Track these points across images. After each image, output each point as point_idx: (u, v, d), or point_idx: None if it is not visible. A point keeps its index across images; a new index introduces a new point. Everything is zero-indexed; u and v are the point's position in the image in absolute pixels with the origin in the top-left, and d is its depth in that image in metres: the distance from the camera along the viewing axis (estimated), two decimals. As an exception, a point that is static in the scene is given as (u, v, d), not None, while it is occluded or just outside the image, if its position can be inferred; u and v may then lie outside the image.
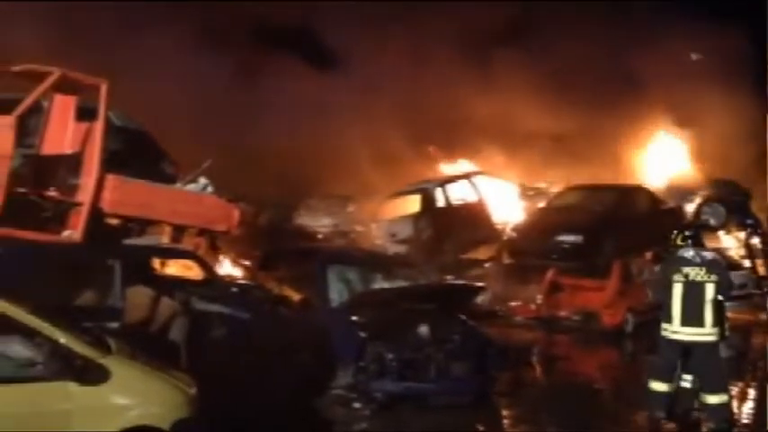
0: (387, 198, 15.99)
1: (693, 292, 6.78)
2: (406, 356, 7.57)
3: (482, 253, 14.98)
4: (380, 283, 8.95)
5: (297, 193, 17.71)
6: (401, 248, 14.45)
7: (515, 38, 17.99)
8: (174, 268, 8.82)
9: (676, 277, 6.84)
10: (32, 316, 4.62)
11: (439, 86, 18.30)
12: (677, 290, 6.82)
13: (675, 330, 6.81)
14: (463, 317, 8.39)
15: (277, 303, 8.49)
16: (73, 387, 4.53)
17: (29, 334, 4.61)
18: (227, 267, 11.26)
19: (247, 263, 12.05)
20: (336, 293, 8.64)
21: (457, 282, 11.16)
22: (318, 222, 17.39)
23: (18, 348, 4.68)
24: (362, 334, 7.71)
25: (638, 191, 15.38)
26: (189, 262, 8.66)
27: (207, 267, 8.30)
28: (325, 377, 7.61)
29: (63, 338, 4.60)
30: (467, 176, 16.01)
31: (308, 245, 14.09)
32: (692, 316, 6.77)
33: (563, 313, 12.30)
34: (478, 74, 17.97)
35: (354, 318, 7.95)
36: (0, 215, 7.35)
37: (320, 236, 16.76)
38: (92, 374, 4.57)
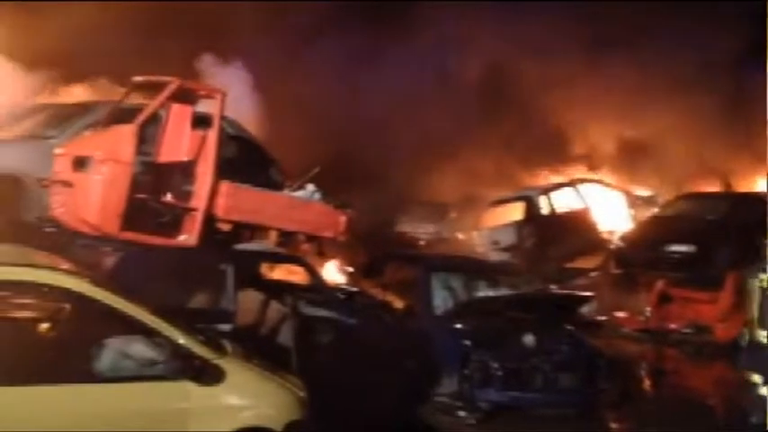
0: (489, 205, 15.92)
1: None
2: (510, 366, 7.52)
3: (587, 262, 14.68)
4: (484, 291, 8.92)
5: (398, 200, 17.82)
6: (504, 256, 14.35)
7: (624, 40, 17.54)
8: (280, 273, 9.04)
9: None
10: (154, 316, 4.77)
11: (545, 90, 18.02)
12: None
13: None
14: (570, 327, 8.26)
15: (381, 310, 8.57)
16: (191, 387, 4.66)
17: (150, 334, 4.76)
18: (331, 273, 11.45)
19: (350, 269, 12.21)
20: (440, 301, 8.67)
21: (563, 291, 10.99)
22: (420, 229, 17.46)
23: (140, 348, 4.85)
24: (467, 342, 7.70)
25: (752, 199, 14.76)
26: (295, 267, 8.86)
27: (314, 273, 8.47)
28: (429, 384, 7.64)
29: (182, 339, 4.74)
30: (572, 184, 15.75)
31: (411, 251, 14.15)
32: None
33: (673, 326, 11.93)
34: (587, 77, 17.60)
35: (458, 325, 7.95)
36: (122, 220, 7.67)
37: (421, 243, 16.82)
38: (209, 375, 4.70)
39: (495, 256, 14.27)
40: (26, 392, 4.33)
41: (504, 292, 8.87)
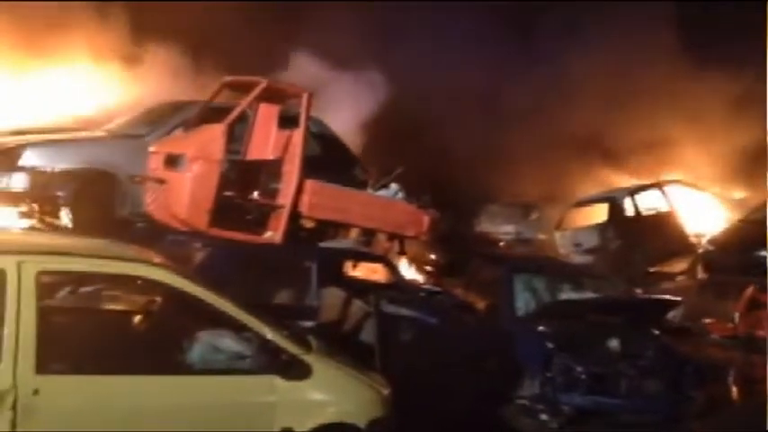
0: (572, 206, 15.68)
1: None
2: (595, 370, 7.40)
3: (673, 266, 14.31)
4: (568, 294, 8.80)
5: (478, 199, 17.71)
6: (586, 259, 14.11)
7: (726, 42, 16.99)
8: (361, 271, 9.11)
9: None
10: (242, 311, 4.85)
11: (640, 92, 17.62)
12: None
13: None
14: (657, 332, 8.08)
15: (463, 310, 8.55)
16: (278, 381, 4.73)
17: (239, 328, 4.85)
18: (412, 272, 11.48)
19: (431, 268, 12.22)
20: (522, 302, 8.59)
21: (651, 295, 10.74)
22: (500, 229, 17.32)
23: (229, 342, 4.96)
24: (550, 345, 7.60)
25: None
26: (375, 265, 8.92)
27: (396, 272, 8.51)
28: (511, 386, 7.58)
29: (270, 334, 4.82)
30: (659, 185, 15.35)
31: (493, 252, 14.07)
32: None
33: (762, 333, 11.53)
34: (685, 81, 17.15)
35: (542, 328, 7.86)
36: (210, 216, 7.87)
37: (502, 243, 16.68)
38: (295, 370, 4.77)
39: (578, 259, 14.05)
40: (121, 382, 4.46)
41: (588, 294, 8.73)
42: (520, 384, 7.54)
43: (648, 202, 14.90)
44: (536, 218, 17.19)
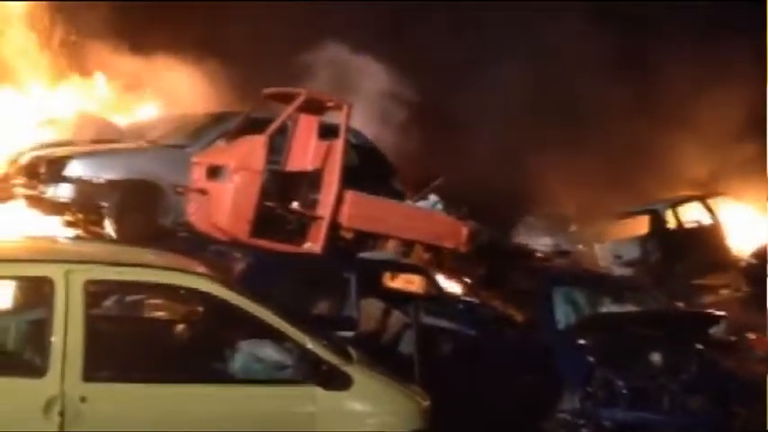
0: (612, 218, 15.51)
1: None
2: (637, 385, 7.30)
3: (716, 279, 14.08)
4: (609, 307, 8.71)
5: (516, 210, 17.59)
6: (627, 271, 13.95)
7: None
8: (399, 282, 9.10)
9: None
10: (283, 321, 4.87)
11: (685, 101, 17.39)
12: None
13: None
14: (700, 347, 7.95)
15: (502, 322, 8.50)
16: (318, 391, 4.74)
17: (280, 338, 4.87)
18: (449, 284, 11.43)
19: (468, 280, 12.16)
20: (562, 315, 8.52)
21: (693, 309, 10.58)
22: (538, 241, 17.17)
23: (270, 351, 5.00)
24: (591, 359, 7.52)
25: None
26: (413, 276, 8.90)
27: (435, 283, 8.50)
28: (551, 400, 7.51)
29: (310, 344, 4.83)
30: (701, 197, 15.14)
31: (532, 263, 13.96)
32: None
33: (808, 348, 11.29)
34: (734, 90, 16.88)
35: (582, 341, 7.79)
36: (251, 226, 7.95)
37: (540, 255, 16.55)
38: (336, 380, 4.77)
39: (618, 271, 13.90)
40: (165, 390, 4.50)
41: (629, 307, 8.63)
42: (560, 398, 7.47)
43: (691, 215, 14.71)
44: (575, 229, 17.02)
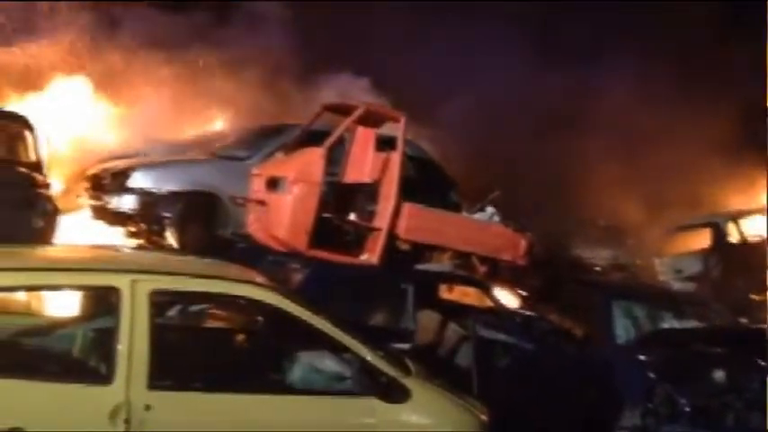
0: (671, 231, 15.23)
1: None
2: (699, 402, 7.13)
3: (780, 294, 13.71)
4: (669, 322, 8.55)
5: (574, 223, 17.38)
6: (687, 286, 13.68)
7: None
8: (455, 294, 9.07)
9: None
10: (342, 332, 4.89)
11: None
12: None
13: None
14: (762, 363, 7.74)
15: (560, 336, 8.41)
16: (377, 403, 4.74)
17: (339, 349, 4.89)
18: (505, 296, 11.35)
19: (524, 293, 12.05)
20: (622, 330, 8.39)
21: (757, 325, 10.31)
22: (596, 254, 16.96)
23: (329, 362, 5.03)
24: (651, 375, 7.39)
25: None
26: (469, 288, 8.87)
27: (492, 296, 8.45)
28: (611, 416, 7.39)
29: (369, 356, 4.84)
30: (765, 210, 14.77)
31: (590, 277, 13.79)
32: None
33: None
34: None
35: (643, 357, 7.65)
36: (310, 237, 8.02)
37: (597, 268, 16.33)
38: (395, 393, 4.77)
39: (678, 286, 13.64)
40: (227, 399, 4.55)
41: (691, 323, 8.46)
42: (620, 415, 7.34)
43: (754, 228, 14.36)
44: (633, 242, 16.76)
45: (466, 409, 5.07)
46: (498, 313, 8.25)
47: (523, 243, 9.22)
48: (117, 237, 9.91)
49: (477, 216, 9.42)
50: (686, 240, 14.92)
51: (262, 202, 8.35)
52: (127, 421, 4.19)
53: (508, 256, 9.20)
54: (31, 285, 4.88)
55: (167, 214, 9.38)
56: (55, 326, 5.27)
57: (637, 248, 16.26)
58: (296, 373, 5.00)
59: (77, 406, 4.23)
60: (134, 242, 9.75)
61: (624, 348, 8.00)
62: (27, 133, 9.40)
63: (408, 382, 4.86)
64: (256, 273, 5.48)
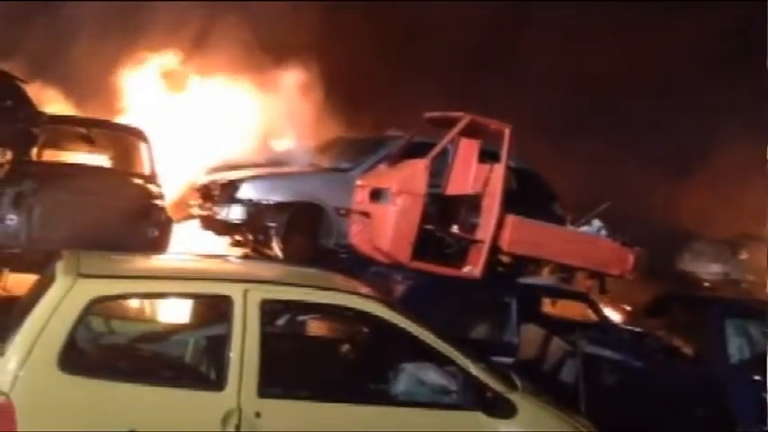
0: (788, 245, 14.53)
1: None
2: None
3: None
4: (794, 342, 8.16)
5: (682, 236, 16.82)
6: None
7: None
8: (558, 309, 8.90)
9: None
10: (447, 345, 4.87)
11: None
12: None
13: None
14: None
15: (670, 353, 8.15)
16: (482, 418, 4.71)
17: (444, 362, 4.88)
18: (611, 311, 11.07)
19: (629, 308, 11.71)
20: (735, 349, 8.08)
21: None
22: (705, 269, 16.35)
23: (434, 375, 5.01)
24: (766, 396, 7.09)
25: None
26: (573, 303, 8.68)
27: (599, 311, 8.26)
28: (724, 438, 7.13)
29: (474, 370, 4.81)
30: None
31: (701, 293, 13.31)
32: None
33: None
34: None
35: (758, 377, 7.34)
36: (412, 249, 8.03)
37: (707, 284, 15.75)
38: (501, 408, 4.72)
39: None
40: (333, 409, 4.59)
41: (810, 343, 8.04)
42: (733, 436, 7.07)
43: None
44: (746, 257, 16.09)
45: (573, 427, 4.97)
46: (605, 329, 8.06)
47: (632, 257, 8.96)
48: (223, 246, 10.18)
49: (584, 229, 9.22)
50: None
51: (365, 214, 8.43)
52: (237, 428, 4.28)
53: (616, 271, 8.95)
54: (147, 293, 5.06)
55: (273, 224, 9.58)
56: (168, 332, 5.43)
57: (749, 263, 15.61)
58: (401, 385, 5.01)
59: (189, 411, 4.35)
60: (240, 251, 10.00)
61: (738, 368, 7.69)
62: (142, 145, 9.79)
63: (514, 398, 4.81)
64: (360, 283, 5.54)
